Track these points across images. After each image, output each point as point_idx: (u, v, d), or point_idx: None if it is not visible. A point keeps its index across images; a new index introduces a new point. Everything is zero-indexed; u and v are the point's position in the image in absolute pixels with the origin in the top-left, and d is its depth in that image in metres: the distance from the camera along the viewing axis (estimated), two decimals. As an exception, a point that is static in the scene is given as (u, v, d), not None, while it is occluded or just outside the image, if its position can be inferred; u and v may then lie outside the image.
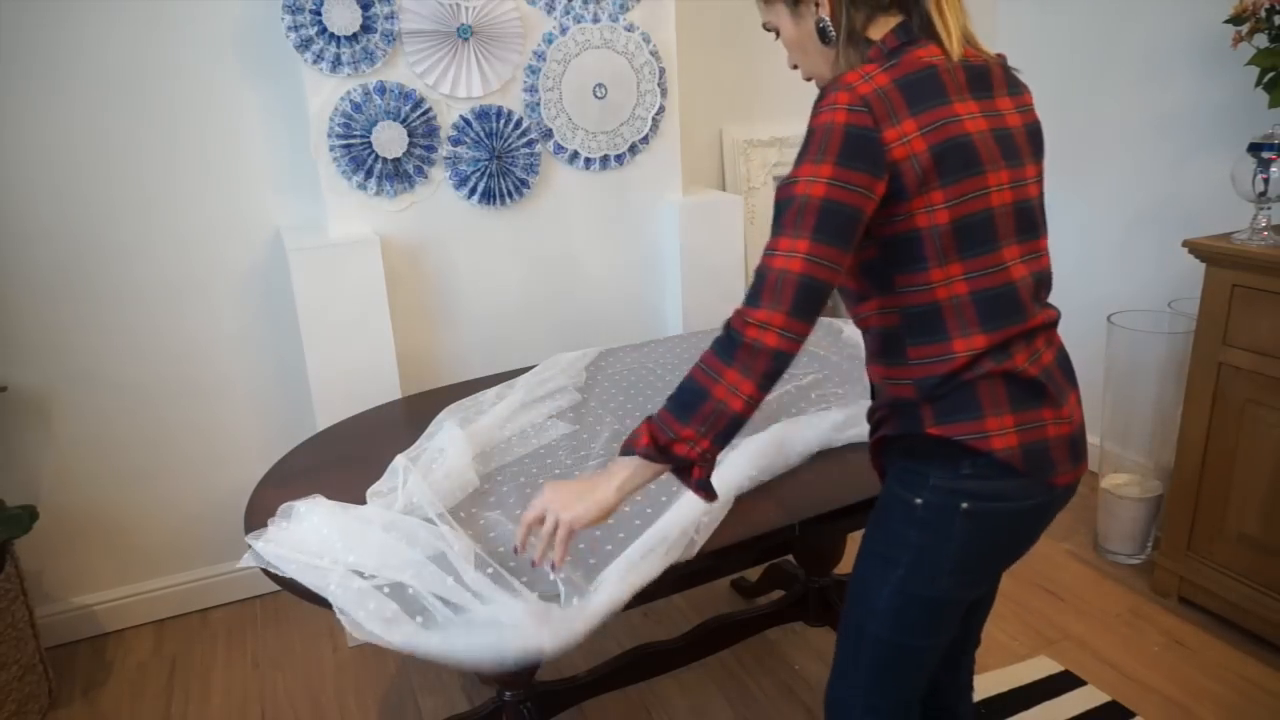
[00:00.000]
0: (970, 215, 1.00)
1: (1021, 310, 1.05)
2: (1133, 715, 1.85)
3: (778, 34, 1.14)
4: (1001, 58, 1.09)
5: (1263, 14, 1.99)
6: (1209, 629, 2.11)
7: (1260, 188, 1.95)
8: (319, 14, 1.94)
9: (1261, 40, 2.03)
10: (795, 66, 1.16)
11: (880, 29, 1.05)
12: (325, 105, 2.02)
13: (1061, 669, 1.98)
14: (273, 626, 2.32)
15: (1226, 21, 2.06)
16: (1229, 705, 1.88)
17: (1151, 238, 2.55)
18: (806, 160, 0.97)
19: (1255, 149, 1.95)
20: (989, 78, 1.05)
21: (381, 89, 2.05)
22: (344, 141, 2.05)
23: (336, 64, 1.99)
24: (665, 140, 2.42)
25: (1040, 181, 1.10)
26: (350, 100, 2.03)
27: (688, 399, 1.02)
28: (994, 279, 1.03)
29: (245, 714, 2.00)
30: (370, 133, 2.06)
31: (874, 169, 0.96)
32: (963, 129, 0.99)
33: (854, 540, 1.97)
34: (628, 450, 1.06)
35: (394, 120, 2.07)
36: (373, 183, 2.11)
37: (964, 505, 1.05)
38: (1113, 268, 2.65)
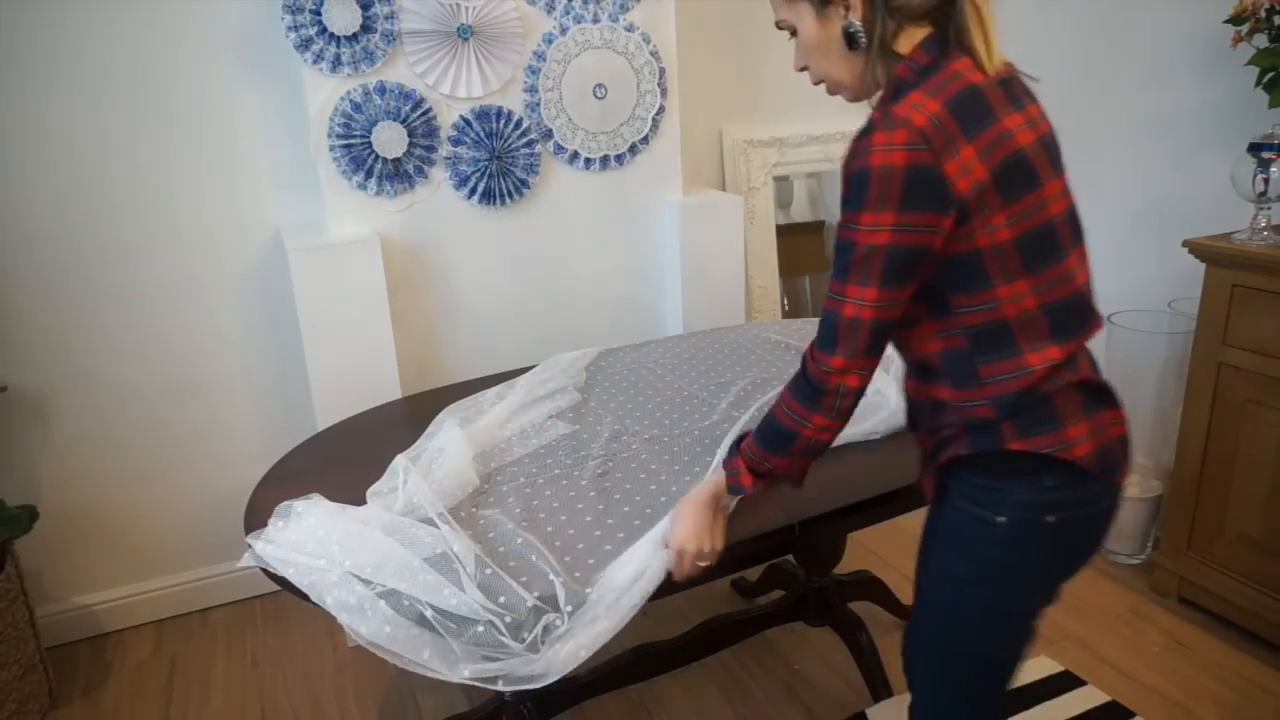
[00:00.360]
0: (1033, 230, 0.99)
1: (1089, 316, 1.06)
2: (1133, 715, 1.85)
3: (793, 33, 1.10)
4: (1011, 65, 1.07)
5: (1263, 14, 1.98)
6: (1209, 629, 2.11)
7: (1260, 188, 1.95)
8: (319, 14, 1.94)
9: (1261, 40, 2.03)
10: (804, 69, 1.12)
11: (907, 42, 1.02)
12: (325, 105, 2.02)
13: (1061, 669, 1.98)
14: (273, 626, 2.32)
15: (1226, 21, 2.06)
16: (1229, 705, 1.88)
17: (1151, 238, 2.54)
18: (867, 209, 0.95)
19: (1255, 149, 1.95)
20: (1014, 87, 1.03)
21: (381, 89, 2.05)
22: (344, 141, 2.05)
23: (336, 64, 1.99)
24: (665, 140, 2.42)
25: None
26: (350, 100, 2.03)
27: (777, 440, 1.12)
28: (1062, 290, 1.02)
29: (245, 714, 2.00)
30: (370, 133, 2.06)
31: (940, 206, 0.94)
32: (1017, 144, 0.98)
33: (854, 540, 1.97)
34: (734, 488, 1.20)
35: (394, 120, 2.07)
36: (373, 183, 2.11)
37: (1049, 518, 1.05)
38: (1113, 268, 2.65)
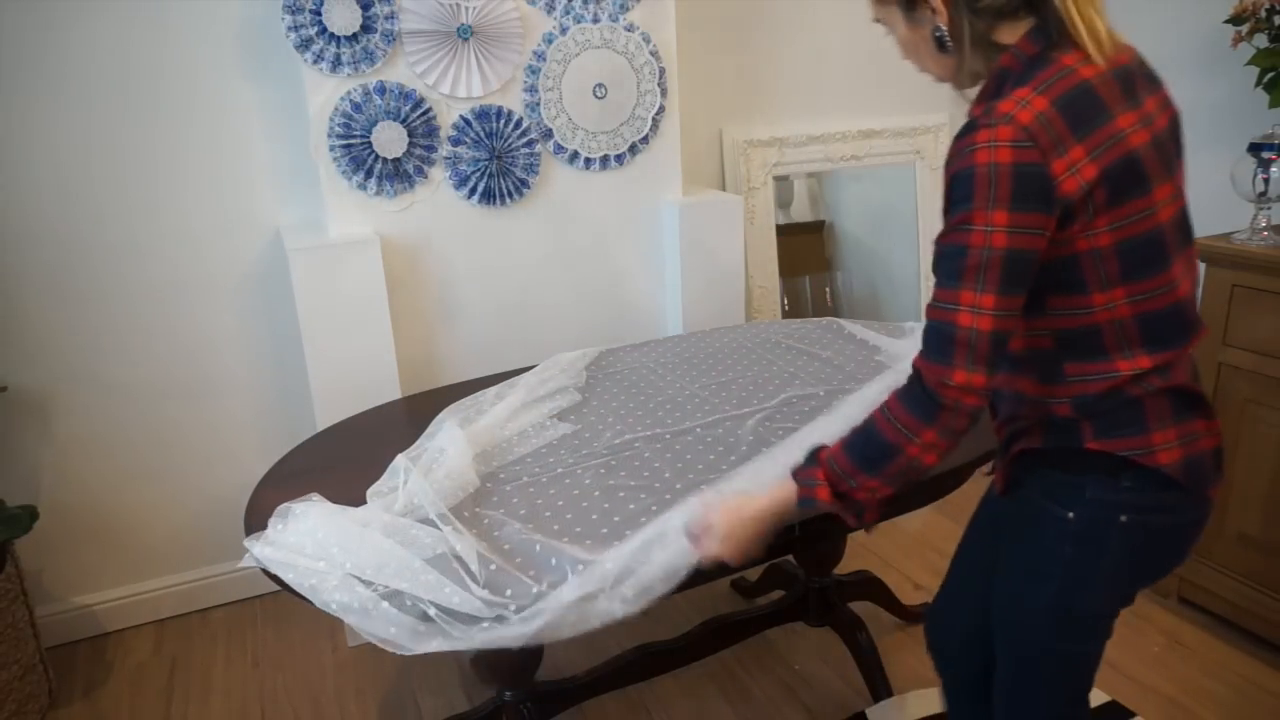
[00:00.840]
0: (1135, 237, 0.95)
1: (1190, 327, 1.01)
2: (1133, 715, 1.85)
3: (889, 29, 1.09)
4: (1131, 51, 1.02)
5: (1263, 14, 1.99)
6: (1209, 629, 2.11)
7: (1260, 188, 1.95)
8: (319, 14, 1.94)
9: (1261, 40, 2.03)
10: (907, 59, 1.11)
11: (1010, 33, 0.99)
12: (325, 105, 2.02)
13: (1061, 669, 1.98)
14: (273, 626, 2.32)
15: (1226, 21, 2.06)
16: (1229, 705, 1.88)
17: (1151, 238, 2.54)
18: (976, 207, 0.91)
19: (1255, 149, 1.95)
20: (1133, 79, 0.98)
21: (381, 89, 2.05)
22: (344, 141, 2.05)
23: (336, 64, 1.99)
24: (665, 140, 2.42)
25: (1184, 180, 1.03)
26: (350, 100, 2.03)
27: (874, 454, 1.02)
28: (1161, 300, 0.98)
29: (245, 714, 2.00)
30: (370, 133, 2.06)
31: (1047, 207, 0.91)
32: (1129, 146, 0.93)
33: (854, 540, 1.97)
34: (806, 500, 1.07)
35: (394, 120, 2.07)
36: (373, 183, 2.11)
37: (1122, 518, 1.02)
38: (1113, 268, 2.65)
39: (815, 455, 1.10)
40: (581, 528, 1.33)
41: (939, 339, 0.96)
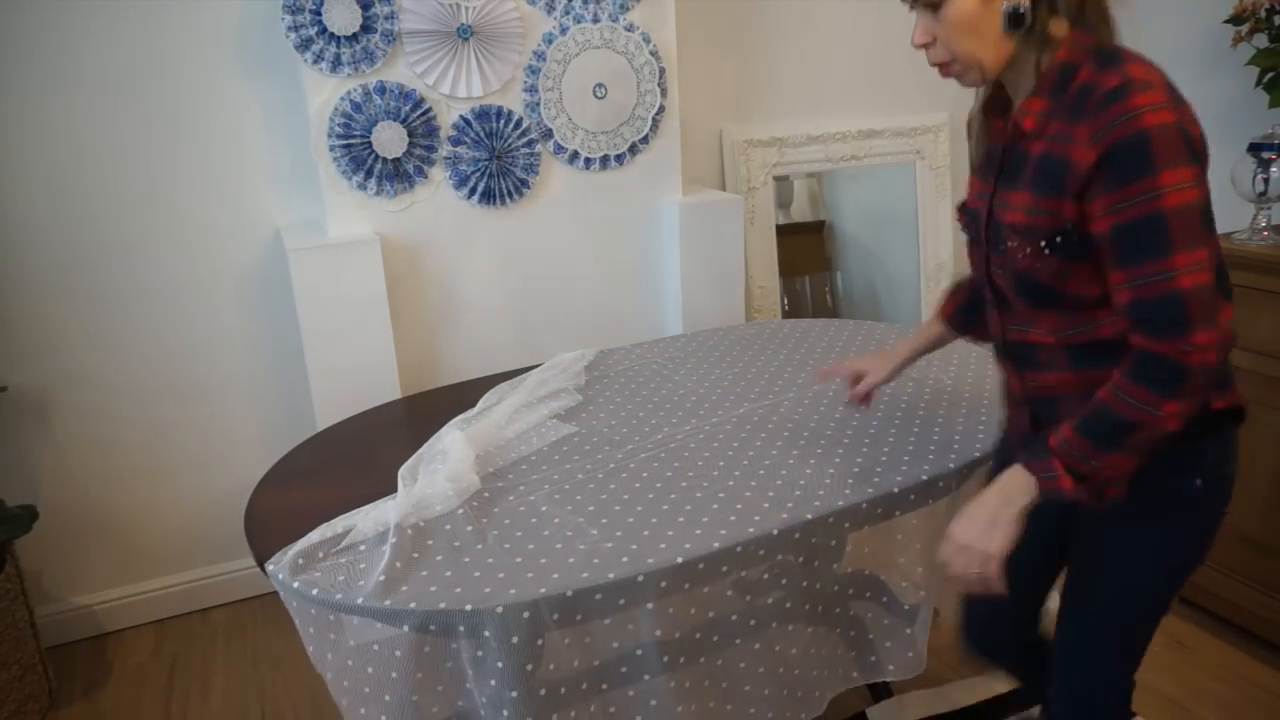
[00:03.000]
0: (1209, 196, 0.99)
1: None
2: (1133, 715, 1.85)
3: (935, 9, 1.06)
4: None
5: (1263, 14, 1.99)
6: (1209, 629, 2.11)
7: (1260, 188, 1.95)
8: (319, 14, 1.94)
9: (1261, 40, 2.03)
10: (924, 46, 1.09)
11: (1059, 26, 1.03)
12: (325, 105, 2.02)
13: (1061, 669, 1.98)
14: (273, 626, 2.32)
15: (1226, 21, 2.06)
16: (1229, 705, 1.88)
17: (1151, 238, 2.54)
18: (1163, 170, 0.93)
19: (1255, 149, 1.95)
20: None
21: (381, 89, 2.05)
22: (344, 141, 2.05)
23: (336, 64, 1.99)
24: (665, 140, 2.42)
25: None
26: (350, 100, 2.03)
27: (1114, 432, 1.01)
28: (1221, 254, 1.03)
29: (245, 714, 2.00)
30: (370, 133, 2.06)
31: (1201, 161, 0.97)
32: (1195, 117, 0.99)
33: (854, 540, 1.97)
34: (1051, 492, 1.04)
35: (394, 120, 2.07)
36: (373, 183, 2.11)
37: (1230, 469, 1.10)
38: (1113, 268, 2.65)
39: (1044, 446, 1.05)
40: (584, 518, 1.33)
41: (1166, 311, 0.95)
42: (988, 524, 1.06)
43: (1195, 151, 0.96)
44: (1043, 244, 1.05)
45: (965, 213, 1.24)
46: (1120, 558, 1.14)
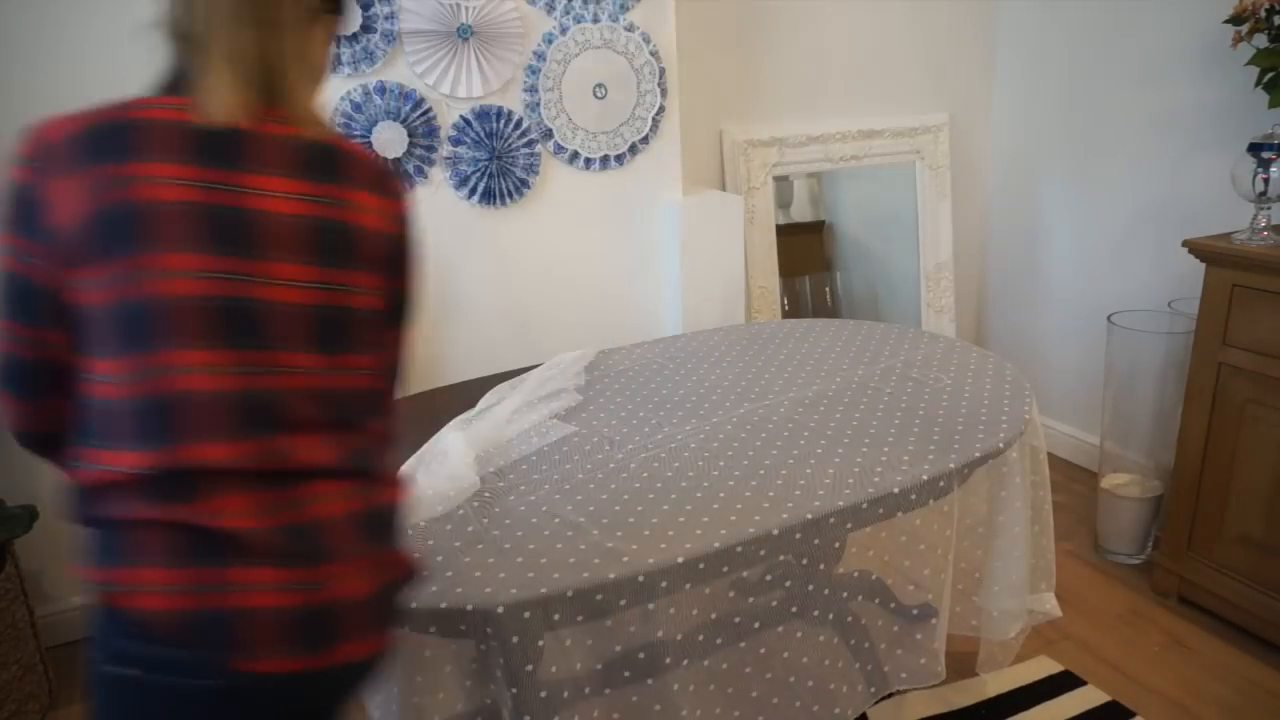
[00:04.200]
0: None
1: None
2: (1133, 715, 1.85)
3: None
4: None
5: (1262, 14, 1.99)
6: (1209, 629, 2.11)
7: (1260, 188, 1.95)
8: (319, 14, 1.94)
9: (1261, 40, 2.03)
10: None
11: None
12: (325, 105, 2.02)
13: (1061, 669, 1.99)
14: (273, 627, 2.31)
15: (1226, 21, 2.06)
16: (1229, 705, 1.88)
17: (1151, 238, 2.55)
18: None
19: (1255, 149, 1.95)
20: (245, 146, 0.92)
21: (381, 89, 2.05)
22: (344, 141, 2.05)
23: (336, 64, 1.99)
24: (665, 140, 2.42)
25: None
26: (350, 100, 2.03)
27: None
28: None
29: (245, 714, 1.99)
30: (370, 133, 2.06)
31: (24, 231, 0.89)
32: (149, 195, 0.90)
33: (854, 540, 1.97)
34: None
35: (394, 120, 2.07)
36: (373, 183, 2.11)
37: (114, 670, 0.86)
38: (1113, 268, 2.65)
39: None
40: (584, 517, 1.33)
41: None
42: None
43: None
44: None
45: None
46: None
